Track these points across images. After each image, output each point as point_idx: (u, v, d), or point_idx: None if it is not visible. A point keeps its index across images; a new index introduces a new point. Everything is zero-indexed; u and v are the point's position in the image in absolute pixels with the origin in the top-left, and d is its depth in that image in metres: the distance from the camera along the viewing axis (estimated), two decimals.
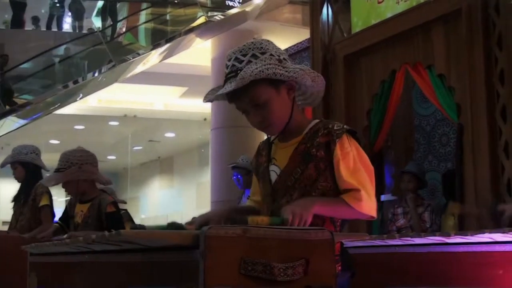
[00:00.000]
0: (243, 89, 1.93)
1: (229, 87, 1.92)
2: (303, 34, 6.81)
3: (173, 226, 1.62)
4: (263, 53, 1.96)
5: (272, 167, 2.07)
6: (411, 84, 5.44)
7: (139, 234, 1.45)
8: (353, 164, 1.95)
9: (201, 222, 1.91)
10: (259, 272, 1.42)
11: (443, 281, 2.05)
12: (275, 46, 2.02)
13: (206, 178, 9.94)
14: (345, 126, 2.01)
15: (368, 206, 1.92)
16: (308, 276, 1.48)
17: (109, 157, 16.82)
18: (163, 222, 2.00)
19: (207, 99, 2.06)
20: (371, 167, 2.00)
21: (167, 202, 16.55)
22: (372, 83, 5.24)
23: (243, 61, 1.94)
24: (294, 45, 7.46)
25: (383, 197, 6.13)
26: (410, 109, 6.30)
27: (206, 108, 10.13)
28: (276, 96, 1.98)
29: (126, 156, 16.00)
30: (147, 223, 1.91)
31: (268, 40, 2.03)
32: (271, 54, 1.96)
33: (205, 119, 12.01)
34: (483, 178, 4.21)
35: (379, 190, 6.07)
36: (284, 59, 2.00)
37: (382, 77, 5.15)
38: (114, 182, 17.08)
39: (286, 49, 7.50)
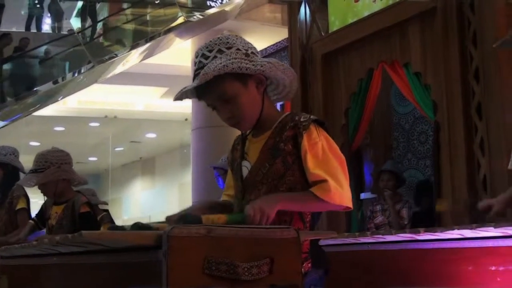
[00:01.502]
0: (209, 85, 1.91)
1: (194, 84, 1.91)
2: (282, 34, 6.81)
3: (137, 226, 1.60)
4: (229, 48, 1.93)
5: (244, 163, 2.05)
6: (389, 82, 5.46)
7: (101, 236, 1.43)
8: (321, 154, 1.92)
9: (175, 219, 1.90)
10: (223, 272, 1.41)
11: (414, 278, 2.05)
12: (244, 40, 2.00)
13: (188, 178, 9.91)
14: (311, 117, 1.98)
15: (339, 196, 1.88)
16: (273, 274, 1.47)
17: (90, 159, 16.73)
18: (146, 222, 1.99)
19: (175, 97, 2.04)
20: (342, 157, 1.97)
21: (149, 203, 16.49)
22: (350, 82, 5.25)
23: (209, 57, 1.92)
24: (273, 45, 7.48)
25: (362, 195, 6.15)
26: (389, 107, 6.33)
27: (187, 108, 10.10)
28: (244, 91, 1.96)
29: (107, 157, 15.92)
30: (129, 224, 1.89)
31: (236, 35, 2.01)
32: (237, 49, 1.94)
33: (186, 119, 11.97)
34: (460, 174, 4.23)
35: (359, 188, 6.10)
36: (252, 53, 1.97)
37: (359, 76, 5.17)
38: (96, 184, 17.05)
39: (265, 49, 7.52)
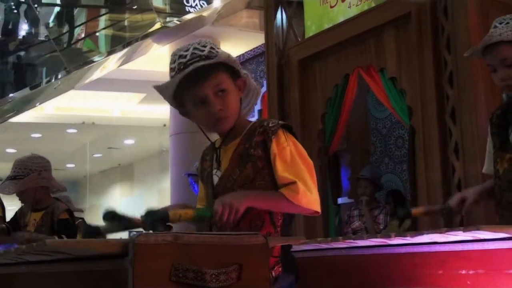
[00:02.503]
0: (207, 73, 1.93)
1: (198, 64, 1.90)
2: (260, 39, 6.82)
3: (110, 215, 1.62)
4: (218, 49, 1.98)
5: (214, 171, 2.07)
6: (366, 87, 5.48)
7: (66, 244, 1.42)
8: (290, 158, 1.95)
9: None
10: (190, 279, 1.40)
11: (386, 282, 2.06)
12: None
13: (166, 184, 9.87)
14: (280, 122, 2.01)
15: (307, 199, 1.90)
16: (242, 281, 1.47)
17: (68, 165, 16.60)
18: None
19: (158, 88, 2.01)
20: (310, 161, 2.00)
21: (128, 209, 16.36)
22: (326, 87, 5.26)
23: (204, 50, 1.94)
24: (251, 50, 7.48)
25: (340, 200, 6.17)
26: (366, 112, 6.36)
27: (165, 114, 10.07)
28: (233, 89, 2.00)
29: (85, 164, 15.81)
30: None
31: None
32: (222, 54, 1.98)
33: (164, 125, 11.94)
34: (434, 179, 4.26)
35: (336, 193, 6.11)
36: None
37: (335, 81, 5.18)
38: (74, 191, 16.91)
39: (243, 54, 7.52)
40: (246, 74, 2.03)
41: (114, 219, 1.75)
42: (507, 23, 2.27)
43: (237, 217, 1.77)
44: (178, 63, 1.95)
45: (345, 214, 5.54)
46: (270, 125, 1.99)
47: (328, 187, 5.42)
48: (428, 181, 4.31)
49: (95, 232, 1.72)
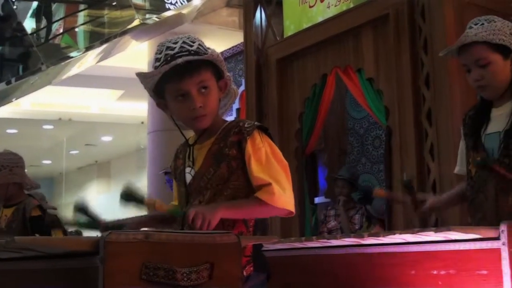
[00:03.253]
0: (197, 68, 1.93)
1: (187, 58, 1.91)
2: (239, 38, 6.81)
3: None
4: (208, 49, 1.98)
5: (188, 170, 2.06)
6: (344, 87, 5.51)
7: (36, 241, 1.40)
8: (265, 159, 1.95)
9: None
10: (161, 277, 1.39)
11: (359, 282, 2.07)
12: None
13: (144, 182, 9.82)
14: (255, 123, 2.02)
15: (282, 200, 1.91)
16: (213, 280, 1.46)
17: (44, 162, 16.44)
18: None
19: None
20: (285, 162, 2.01)
21: (105, 206, 16.24)
22: (304, 87, 5.28)
23: (193, 45, 1.95)
24: (230, 48, 7.47)
25: (317, 200, 6.19)
26: (344, 112, 6.39)
27: (143, 111, 10.01)
28: (215, 88, 2.01)
29: (61, 160, 15.67)
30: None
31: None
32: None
33: (142, 123, 11.86)
34: (410, 179, 4.27)
35: (313, 192, 6.13)
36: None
37: (313, 81, 5.20)
38: (50, 187, 16.75)
39: (222, 52, 7.50)
40: (229, 76, 2.04)
41: (86, 214, 1.76)
42: (482, 24, 2.29)
43: (210, 228, 1.76)
44: (165, 54, 1.94)
45: (322, 214, 5.56)
46: (246, 125, 1.99)
47: (305, 187, 5.44)
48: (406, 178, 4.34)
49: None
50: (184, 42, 1.95)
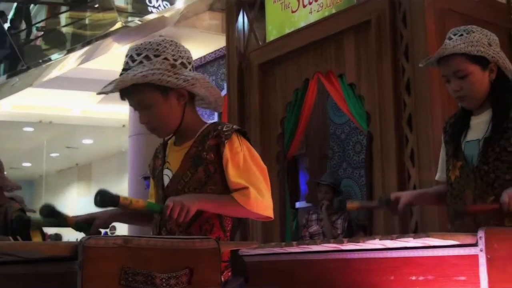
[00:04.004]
0: (130, 90, 1.92)
1: (110, 87, 1.91)
2: (222, 42, 6.81)
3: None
4: (157, 56, 1.94)
5: (165, 171, 2.06)
6: (326, 92, 5.53)
7: (14, 246, 1.39)
8: (243, 163, 1.95)
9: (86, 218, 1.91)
10: (140, 283, 1.39)
11: (338, 287, 2.07)
12: (177, 49, 1.99)
13: (125, 185, 9.77)
14: (234, 127, 2.01)
15: (258, 204, 1.91)
16: (192, 285, 1.46)
17: (24, 164, 16.31)
18: None
19: (99, 92, 2.02)
20: (264, 166, 2.01)
21: (85, 210, 16.13)
22: (286, 91, 5.29)
23: (135, 60, 1.93)
24: (212, 52, 7.48)
25: (298, 204, 6.21)
26: (326, 117, 6.41)
27: (124, 114, 9.97)
28: (162, 101, 1.98)
29: (42, 163, 15.55)
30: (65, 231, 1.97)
31: (171, 42, 2.00)
32: (165, 58, 1.94)
33: (123, 126, 11.81)
34: (391, 184, 4.31)
35: (294, 197, 6.14)
36: (181, 63, 1.98)
37: (295, 86, 5.21)
38: (30, 190, 16.60)
39: (204, 56, 7.51)
40: (188, 81, 1.96)
41: (51, 215, 1.78)
42: (461, 35, 2.31)
43: (188, 217, 1.77)
44: (123, 65, 1.97)
45: (303, 218, 5.57)
46: (224, 129, 1.98)
47: (286, 191, 5.45)
48: (384, 187, 4.37)
49: (25, 222, 1.75)
50: (130, 57, 1.94)
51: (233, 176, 1.92)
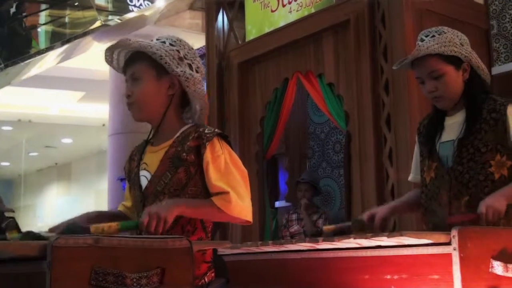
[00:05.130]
0: (131, 59, 2.03)
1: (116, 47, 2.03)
2: (202, 41, 6.79)
3: (29, 236, 1.54)
4: (172, 45, 2.02)
5: (142, 172, 2.04)
6: (306, 92, 5.53)
7: None
8: (224, 167, 1.94)
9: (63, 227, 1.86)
10: (111, 283, 1.37)
11: (314, 286, 2.07)
12: (193, 54, 2.08)
13: (104, 185, 9.71)
14: (216, 130, 2.01)
15: (239, 209, 1.90)
16: (164, 285, 1.45)
17: (3, 164, 16.15)
18: None
19: (106, 59, 2.11)
20: (244, 170, 2.00)
21: (65, 209, 16.04)
22: (266, 91, 5.29)
23: (151, 41, 2.04)
24: None
25: (277, 204, 6.21)
26: (305, 116, 6.42)
27: (104, 113, 9.90)
28: (153, 80, 2.03)
29: (20, 162, 15.40)
30: (44, 231, 1.89)
31: (191, 47, 2.10)
32: (177, 50, 2.03)
33: (103, 125, 11.73)
34: (369, 184, 4.32)
35: (274, 196, 6.14)
36: (188, 64, 2.04)
37: (275, 85, 5.21)
38: (8, 190, 16.42)
39: None
40: (184, 73, 2.00)
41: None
42: (433, 36, 2.32)
43: (165, 228, 1.74)
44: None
45: (283, 218, 5.57)
46: (206, 131, 1.98)
47: (266, 191, 5.44)
48: (362, 186, 4.38)
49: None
50: (158, 38, 2.06)
51: (214, 179, 1.91)
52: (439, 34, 2.31)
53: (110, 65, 2.08)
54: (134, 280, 1.41)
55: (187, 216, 1.90)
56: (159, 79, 2.01)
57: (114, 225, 1.67)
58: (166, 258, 1.47)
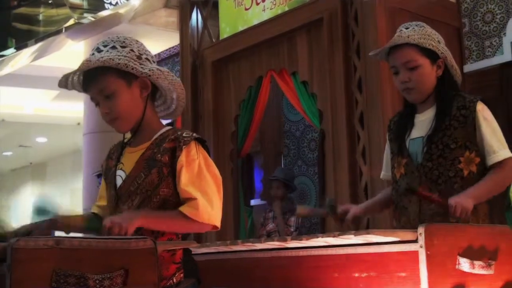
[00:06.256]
0: (93, 77, 1.92)
1: (76, 70, 1.92)
2: (178, 39, 6.76)
3: None
4: (123, 47, 1.94)
5: (119, 172, 2.02)
6: (281, 90, 5.53)
7: None
8: (197, 171, 1.92)
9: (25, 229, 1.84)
10: (72, 285, 1.36)
11: (284, 285, 2.07)
12: (142, 45, 2.02)
13: (79, 184, 9.63)
14: (194, 134, 1.99)
15: (207, 214, 1.87)
16: (128, 286, 1.43)
17: None
18: None
19: (59, 83, 2.00)
20: (219, 177, 1.98)
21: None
22: (240, 89, 5.28)
23: (102, 50, 1.93)
24: (167, 50, 7.42)
25: (252, 202, 6.20)
26: (280, 114, 6.42)
27: (79, 112, 9.82)
28: (126, 90, 1.96)
29: None
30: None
31: (136, 40, 2.02)
32: (131, 50, 1.96)
33: (78, 124, 11.63)
34: (343, 181, 4.33)
35: (249, 194, 6.13)
36: (146, 58, 1.99)
37: (249, 83, 5.20)
38: None
39: (159, 53, 7.44)
40: (152, 70, 1.96)
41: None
42: (413, 28, 2.34)
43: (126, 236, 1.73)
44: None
45: (261, 216, 5.57)
46: (184, 135, 1.96)
47: (240, 189, 5.43)
48: (336, 184, 4.39)
49: None
50: (96, 49, 1.95)
51: (184, 183, 1.89)
52: (419, 27, 2.34)
53: (65, 88, 2.00)
54: (97, 281, 1.39)
55: (150, 227, 1.86)
56: (130, 86, 1.97)
57: (80, 220, 1.68)
58: (130, 259, 1.45)
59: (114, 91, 1.94)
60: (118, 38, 1.97)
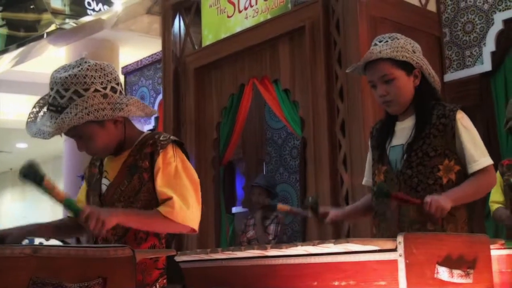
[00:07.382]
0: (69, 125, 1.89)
1: (48, 127, 1.88)
2: (160, 45, 6.75)
3: None
4: (86, 90, 1.87)
5: (103, 180, 2.03)
6: (264, 97, 5.54)
7: None
8: (174, 173, 1.93)
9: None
10: None
11: None
12: (103, 73, 1.92)
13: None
14: (171, 137, 2.00)
15: (182, 214, 1.88)
16: None
17: None
18: None
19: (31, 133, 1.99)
20: (196, 180, 1.99)
21: (20, 215, 15.74)
22: (222, 96, 5.28)
23: (64, 96, 1.86)
24: (149, 56, 7.39)
25: (234, 209, 6.19)
26: (263, 122, 6.44)
27: None
28: (101, 131, 1.94)
29: None
30: None
31: (95, 66, 1.91)
32: (95, 90, 1.88)
33: None
34: (324, 189, 4.35)
35: (231, 202, 6.13)
36: (111, 88, 1.92)
37: (231, 91, 5.21)
38: None
39: (141, 60, 7.41)
40: (123, 109, 1.92)
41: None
42: (386, 41, 2.35)
43: (103, 229, 1.73)
44: (39, 106, 1.95)
45: (242, 223, 5.55)
46: (161, 138, 1.98)
47: (222, 196, 5.43)
48: (317, 191, 4.40)
49: None
50: (57, 92, 1.87)
51: (160, 185, 1.90)
52: (392, 40, 2.35)
53: (34, 137, 1.99)
54: None
55: (128, 225, 1.88)
56: (103, 126, 1.94)
57: (62, 194, 1.69)
58: (108, 267, 1.44)
59: (90, 135, 1.92)
60: (78, 78, 1.87)
